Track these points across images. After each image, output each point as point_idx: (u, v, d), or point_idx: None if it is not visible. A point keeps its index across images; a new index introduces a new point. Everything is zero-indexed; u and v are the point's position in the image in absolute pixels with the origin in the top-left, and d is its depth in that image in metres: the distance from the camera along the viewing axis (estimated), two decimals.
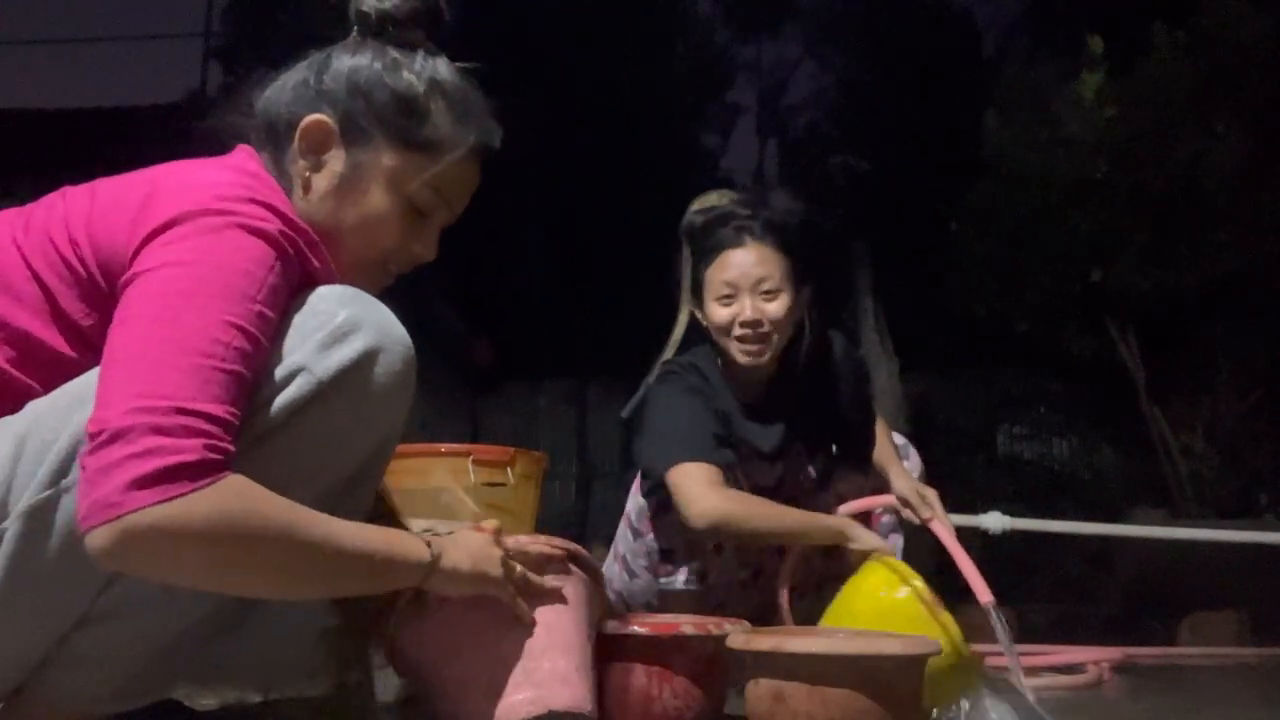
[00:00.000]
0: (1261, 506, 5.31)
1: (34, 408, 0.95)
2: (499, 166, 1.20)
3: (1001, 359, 7.24)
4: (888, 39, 11.06)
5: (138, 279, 0.93)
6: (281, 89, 1.14)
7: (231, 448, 0.89)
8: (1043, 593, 5.52)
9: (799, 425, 2.02)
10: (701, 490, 1.81)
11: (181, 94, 11.80)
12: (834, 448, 2.09)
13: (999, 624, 1.62)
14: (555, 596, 1.20)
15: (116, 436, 0.84)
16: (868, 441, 2.09)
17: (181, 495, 0.84)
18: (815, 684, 1.21)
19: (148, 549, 0.84)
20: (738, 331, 1.92)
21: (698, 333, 2.07)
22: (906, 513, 1.91)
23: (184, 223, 0.95)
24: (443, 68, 1.15)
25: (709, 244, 1.95)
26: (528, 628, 1.17)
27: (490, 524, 1.18)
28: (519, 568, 1.16)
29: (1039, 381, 7.48)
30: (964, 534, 1.84)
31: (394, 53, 1.13)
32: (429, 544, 1.05)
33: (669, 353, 2.08)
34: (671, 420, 1.92)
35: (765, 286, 1.91)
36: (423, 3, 1.15)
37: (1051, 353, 6.40)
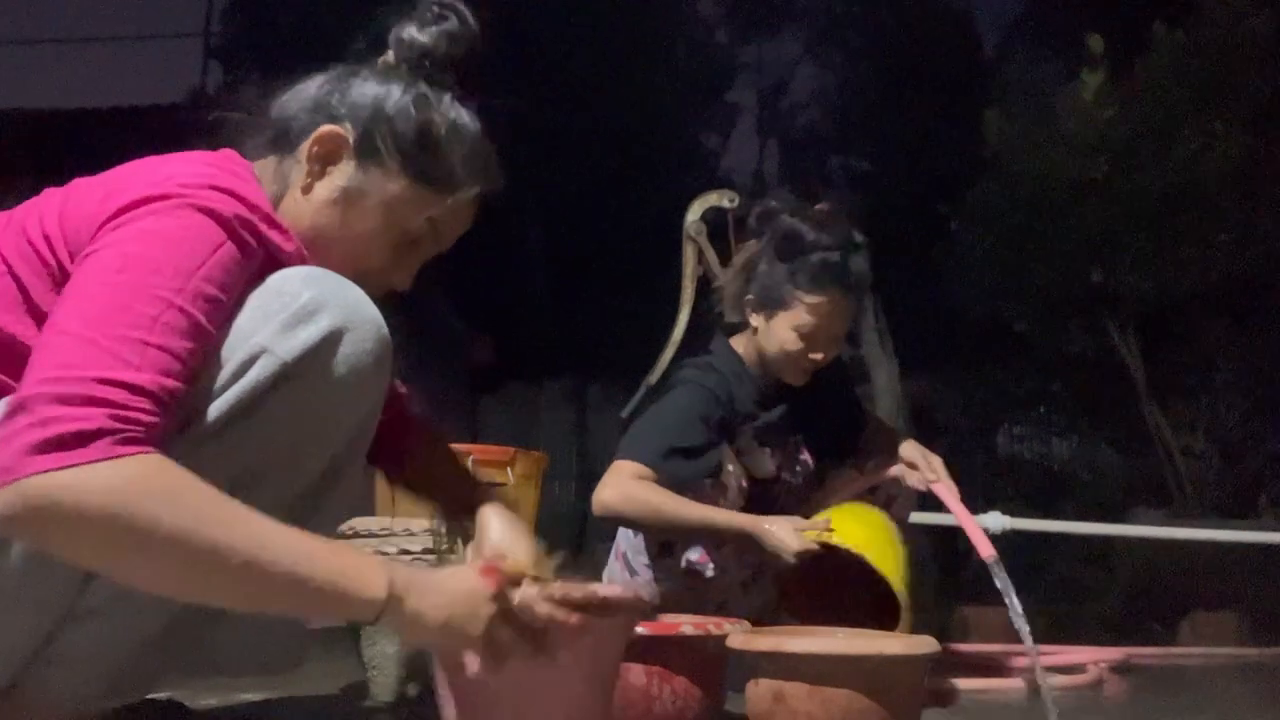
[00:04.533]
0: (1261, 506, 5.31)
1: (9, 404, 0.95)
2: (499, 165, 1.21)
3: (1001, 359, 7.24)
4: (888, 39, 11.06)
5: (82, 261, 0.92)
6: (300, 96, 1.14)
7: (151, 418, 0.84)
8: (1043, 593, 5.52)
9: (800, 419, 2.06)
10: (614, 480, 1.86)
11: (181, 94, 11.78)
12: (827, 444, 2.14)
13: (1002, 579, 1.64)
14: (549, 669, 1.01)
15: (20, 407, 0.81)
16: (857, 435, 2.15)
17: (78, 464, 0.79)
18: (815, 684, 1.21)
19: (39, 517, 0.79)
20: (805, 364, 1.98)
21: (698, 333, 2.08)
22: (914, 477, 1.95)
23: (136, 207, 0.93)
24: (465, 115, 1.16)
25: (813, 272, 1.94)
26: (521, 692, 1.02)
27: (512, 566, 1.01)
28: (510, 634, 0.97)
29: (1039, 381, 7.47)
30: (963, 534, 1.86)
31: (424, 88, 1.13)
32: (392, 580, 0.90)
33: (669, 352, 2.10)
34: (655, 422, 1.97)
35: (845, 333, 2.01)
36: (462, 49, 1.16)
37: (1051, 353, 6.40)
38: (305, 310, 0.96)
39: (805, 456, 2.11)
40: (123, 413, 0.82)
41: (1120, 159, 5.33)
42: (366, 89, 1.12)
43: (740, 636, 1.32)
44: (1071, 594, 5.44)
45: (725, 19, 13.04)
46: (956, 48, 10.60)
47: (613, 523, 1.90)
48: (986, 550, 1.69)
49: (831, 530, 1.78)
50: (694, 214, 2.94)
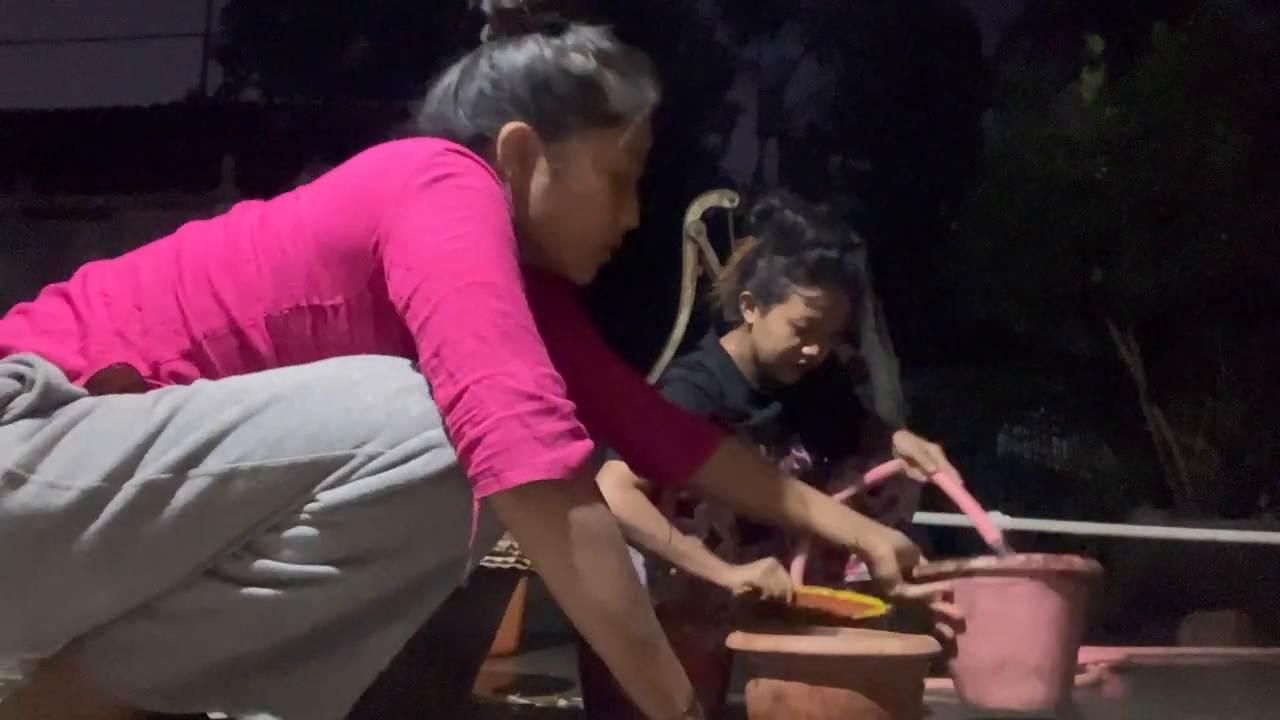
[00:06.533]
0: (1261, 506, 5.31)
1: (202, 387, 0.96)
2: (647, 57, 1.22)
3: (1001, 359, 7.25)
4: (888, 39, 11.06)
5: (412, 240, 0.96)
6: (450, 102, 1.14)
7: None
8: None
9: (796, 417, 2.06)
10: (601, 482, 1.85)
11: (181, 94, 11.80)
12: (825, 442, 2.13)
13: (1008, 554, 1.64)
14: None
15: (543, 405, 0.91)
16: (857, 434, 2.14)
17: (584, 453, 0.95)
18: (815, 684, 1.20)
19: (573, 502, 0.96)
20: (798, 359, 1.97)
21: (698, 333, 2.09)
22: (913, 471, 1.94)
23: (424, 173, 0.98)
24: (594, 36, 1.17)
25: (811, 267, 1.92)
26: None
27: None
28: None
29: (1039, 381, 7.47)
30: (964, 534, 1.85)
31: (553, 39, 1.14)
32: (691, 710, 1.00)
33: (669, 352, 2.11)
34: None
35: (838, 331, 1.99)
36: None
37: (1051, 353, 6.41)
38: None
39: (802, 454, 2.11)
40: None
41: (1120, 159, 5.33)
42: (510, 70, 1.13)
43: (740, 636, 1.32)
44: None
45: (725, 19, 13.06)
46: (956, 48, 10.60)
47: None
48: (991, 535, 1.70)
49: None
50: (694, 214, 2.94)
